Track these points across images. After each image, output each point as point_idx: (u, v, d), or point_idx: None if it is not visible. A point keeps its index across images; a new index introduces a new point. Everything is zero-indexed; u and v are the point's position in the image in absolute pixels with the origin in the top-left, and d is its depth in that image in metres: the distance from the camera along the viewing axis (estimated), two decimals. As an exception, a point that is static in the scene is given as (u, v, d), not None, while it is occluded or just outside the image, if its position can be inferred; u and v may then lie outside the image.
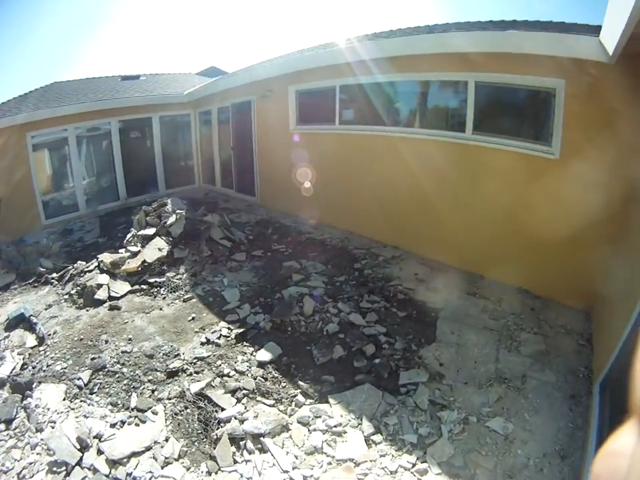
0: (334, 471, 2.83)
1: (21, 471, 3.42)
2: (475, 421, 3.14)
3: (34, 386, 4.25)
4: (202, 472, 3.00)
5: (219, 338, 4.33)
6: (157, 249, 5.87)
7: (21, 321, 5.54)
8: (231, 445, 3.07)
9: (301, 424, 3.17)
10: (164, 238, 6.08)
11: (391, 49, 5.57)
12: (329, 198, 7.04)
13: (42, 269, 6.71)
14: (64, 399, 4.02)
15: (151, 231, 6.20)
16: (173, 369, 3.98)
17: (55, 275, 6.46)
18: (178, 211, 6.37)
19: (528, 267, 4.79)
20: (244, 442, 3.05)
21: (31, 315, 5.49)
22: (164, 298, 5.35)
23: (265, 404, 3.41)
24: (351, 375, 3.65)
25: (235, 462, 2.96)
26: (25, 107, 10.02)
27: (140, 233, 6.20)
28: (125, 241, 6.40)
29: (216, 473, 2.94)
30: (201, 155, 11.53)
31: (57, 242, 8.33)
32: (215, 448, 3.09)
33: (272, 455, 2.95)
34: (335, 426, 3.12)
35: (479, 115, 5.14)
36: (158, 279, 5.57)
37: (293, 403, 3.39)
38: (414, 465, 2.82)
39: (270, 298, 4.94)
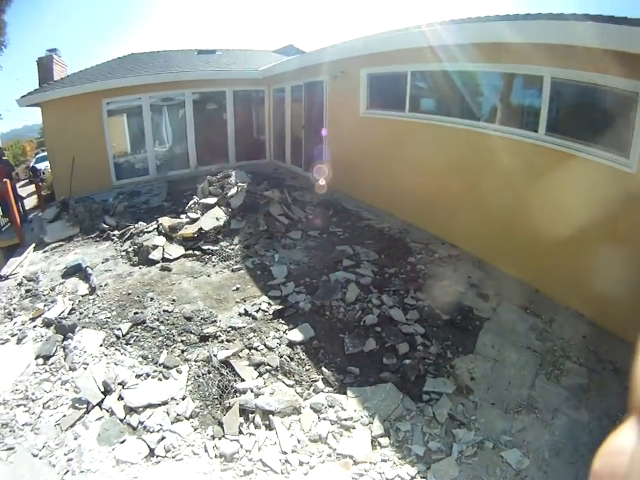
0: (331, 463, 2.85)
1: (47, 402, 3.78)
2: (490, 447, 2.95)
3: (77, 330, 4.64)
4: (207, 434, 3.15)
5: (257, 311, 4.43)
6: (214, 218, 6.08)
7: (77, 271, 6.04)
8: (240, 416, 3.19)
9: (313, 410, 3.20)
10: (223, 208, 6.29)
11: (481, 34, 5.23)
12: (393, 186, 6.87)
13: (105, 226, 7.21)
14: (101, 345, 4.36)
15: (212, 200, 6.44)
16: (206, 334, 4.16)
17: (116, 232, 6.93)
18: (240, 184, 6.54)
19: (589, 291, 4.18)
20: (253, 415, 3.15)
21: (87, 267, 5.95)
22: (214, 265, 5.55)
23: (284, 383, 3.47)
24: (377, 370, 3.57)
25: (240, 432, 3.08)
26: (101, 76, 10.96)
27: (201, 200, 6.46)
28: (186, 207, 6.71)
29: (219, 439, 3.08)
30: (273, 131, 11.77)
31: (123, 202, 8.91)
32: (225, 415, 3.24)
33: (276, 433, 3.03)
34: (346, 419, 3.11)
35: (554, 115, 4.71)
36: (211, 247, 5.78)
37: (312, 388, 3.42)
38: (412, 478, 2.73)
39: (316, 279, 4.95)
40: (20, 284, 6.22)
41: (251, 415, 3.15)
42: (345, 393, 3.32)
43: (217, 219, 6.06)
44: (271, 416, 3.09)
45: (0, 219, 9.87)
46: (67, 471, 3.13)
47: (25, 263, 7.07)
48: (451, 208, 5.83)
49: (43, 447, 3.37)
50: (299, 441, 2.98)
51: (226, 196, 6.36)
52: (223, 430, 3.10)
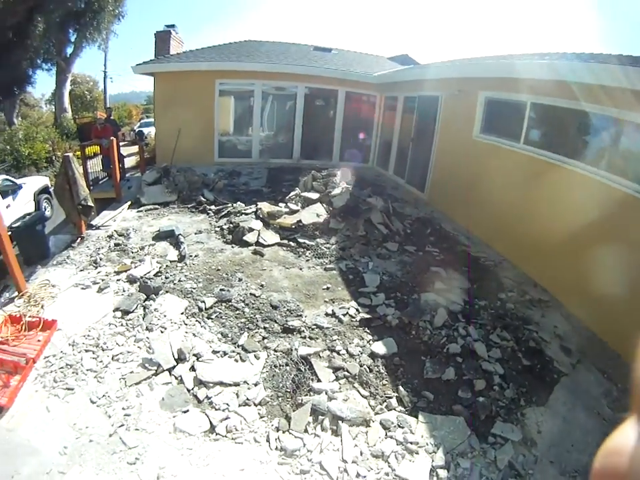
0: None
1: (117, 354, 3.95)
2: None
3: (160, 293, 4.83)
4: (272, 425, 3.18)
5: (344, 315, 4.41)
6: (315, 214, 6.12)
7: (169, 236, 6.30)
8: (310, 415, 3.22)
9: (382, 425, 3.20)
10: (324, 206, 6.33)
11: (606, 77, 4.84)
12: (494, 216, 6.57)
13: (203, 199, 7.51)
14: (182, 313, 4.51)
15: (314, 195, 6.50)
16: (290, 327, 4.19)
17: (213, 207, 7.16)
18: (345, 185, 6.55)
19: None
20: (323, 418, 3.18)
21: (180, 234, 6.18)
22: (307, 260, 5.57)
23: (359, 392, 3.48)
24: (450, 401, 3.50)
25: (306, 431, 3.11)
26: (217, 57, 11.65)
27: (303, 194, 6.55)
28: (287, 197, 6.84)
29: (283, 432, 3.11)
30: (380, 137, 11.84)
31: (223, 180, 9.26)
32: (294, 410, 3.29)
33: (341, 440, 3.04)
34: (412, 442, 3.08)
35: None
36: (307, 241, 5.82)
37: (385, 404, 3.40)
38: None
39: (407, 296, 4.86)
40: (110, 236, 6.59)
41: (320, 417, 3.18)
42: (417, 417, 3.29)
43: (318, 215, 6.08)
44: (340, 422, 3.11)
45: (99, 172, 10.65)
46: (122, 425, 3.22)
47: (118, 217, 7.49)
48: (549, 251, 5.49)
49: (103, 396, 3.51)
50: (361, 453, 2.98)
51: (329, 194, 6.39)
52: (289, 425, 3.13)
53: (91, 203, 6.71)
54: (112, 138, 8.70)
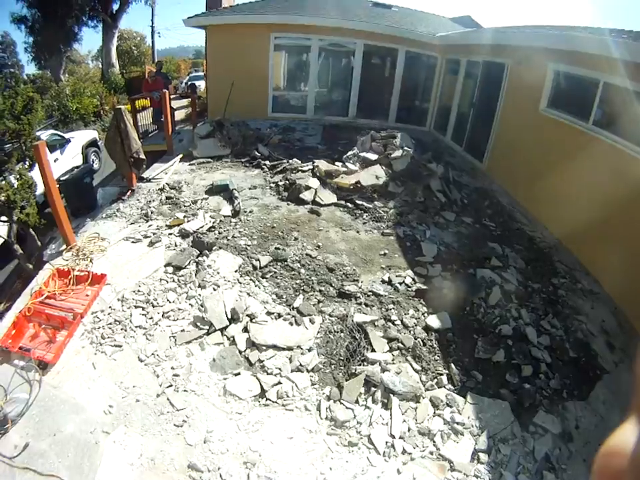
0: (430, 461, 2.87)
1: (168, 312, 3.96)
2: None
3: (214, 249, 4.81)
4: (323, 393, 3.18)
5: (400, 284, 4.32)
6: (374, 176, 6.00)
7: (222, 190, 6.29)
8: (362, 386, 3.21)
9: (431, 403, 3.18)
10: (384, 168, 6.17)
11: None
12: (553, 197, 6.25)
13: (257, 154, 7.50)
14: (236, 271, 4.47)
15: (373, 156, 6.36)
16: (347, 291, 4.13)
17: (267, 162, 7.14)
18: (406, 148, 6.36)
19: None
20: (375, 390, 3.16)
21: (234, 189, 6.15)
22: (364, 223, 5.49)
23: (411, 366, 3.44)
24: (498, 384, 3.45)
25: (357, 402, 3.11)
26: (272, 10, 11.40)
27: (362, 154, 6.42)
28: (344, 157, 6.71)
29: (334, 402, 3.10)
30: (439, 101, 11.49)
31: (277, 135, 9.25)
32: (347, 380, 3.26)
33: (391, 415, 3.03)
34: (458, 423, 3.08)
35: None
36: (365, 203, 5.72)
37: (435, 380, 3.37)
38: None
39: (463, 270, 4.74)
40: (162, 189, 6.64)
41: (372, 389, 3.16)
42: (465, 397, 3.26)
43: (377, 177, 5.95)
44: (391, 395, 3.08)
45: (149, 125, 10.83)
46: (170, 385, 3.25)
47: (169, 170, 7.57)
48: (606, 241, 5.21)
49: (152, 354, 3.53)
50: (409, 429, 2.98)
51: (389, 156, 6.23)
52: (341, 394, 3.15)
53: (142, 156, 6.78)
54: (164, 90, 8.73)
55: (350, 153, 6.73)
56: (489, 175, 8.06)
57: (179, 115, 13.87)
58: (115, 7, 23.47)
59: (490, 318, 4.04)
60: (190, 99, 12.42)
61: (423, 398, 3.18)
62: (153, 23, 27.05)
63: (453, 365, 3.45)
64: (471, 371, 3.48)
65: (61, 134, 10.85)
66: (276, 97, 11.60)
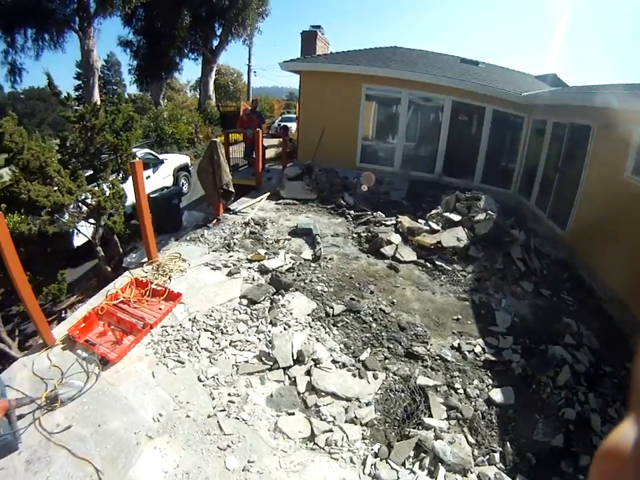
0: None
1: (236, 341, 4.13)
2: None
3: (290, 289, 4.98)
4: (372, 449, 3.13)
5: (469, 352, 4.25)
6: (455, 238, 6.04)
7: (306, 234, 6.55)
8: (412, 450, 3.11)
9: (478, 479, 3.01)
10: (466, 230, 6.20)
11: None
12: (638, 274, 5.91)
13: (342, 202, 7.78)
14: (308, 315, 4.60)
15: (456, 217, 6.41)
16: (415, 352, 4.12)
17: (352, 212, 7.39)
18: (489, 212, 6.36)
19: None
20: (424, 456, 3.06)
21: (317, 234, 6.38)
22: (441, 285, 5.48)
23: (466, 438, 3.30)
24: (551, 471, 3.19)
25: (403, 464, 3.02)
26: (364, 61, 11.82)
27: (445, 214, 6.49)
28: (427, 215, 6.80)
29: (380, 460, 3.04)
30: (524, 162, 11.26)
31: (364, 186, 9.38)
32: (398, 440, 3.20)
33: None
34: None
35: None
36: (445, 265, 5.74)
37: (487, 456, 3.19)
38: None
39: (534, 345, 4.55)
40: (247, 223, 7.01)
41: (422, 454, 3.07)
42: (514, 479, 3.07)
43: (458, 239, 5.99)
44: (439, 464, 2.98)
45: (240, 159, 11.49)
46: (223, 410, 3.36)
47: (256, 206, 7.99)
48: None
49: (212, 377, 3.69)
50: None
51: (472, 219, 6.25)
52: (389, 454, 3.07)
53: (232, 189, 7.18)
54: (257, 129, 9.26)
55: (434, 211, 6.81)
56: (570, 245, 7.78)
57: (269, 153, 14.50)
58: (215, 43, 25.36)
59: (555, 399, 3.83)
60: (281, 139, 12.95)
61: (471, 472, 3.03)
62: (249, 62, 28.91)
63: (508, 444, 3.30)
64: (526, 453, 3.30)
65: (155, 154, 11.77)
66: (365, 147, 11.90)
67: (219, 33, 24.98)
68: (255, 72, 35.58)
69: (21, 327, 5.89)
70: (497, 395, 3.73)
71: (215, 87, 28.01)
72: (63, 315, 5.62)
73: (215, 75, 27.78)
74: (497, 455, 3.21)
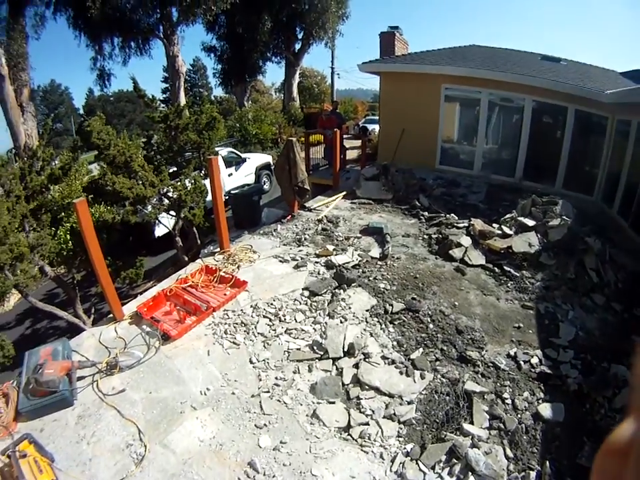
0: None
1: (291, 329, 4.32)
2: None
3: (353, 285, 5.13)
4: (404, 448, 3.12)
5: (525, 362, 4.11)
6: (527, 243, 5.94)
7: (377, 233, 6.73)
8: (445, 454, 3.07)
9: None
10: (539, 236, 6.07)
11: None
12: None
13: (417, 203, 7.90)
14: (367, 310, 4.72)
15: (530, 222, 6.29)
16: (468, 357, 4.08)
17: (426, 213, 7.51)
18: (564, 217, 6.16)
19: None
20: (456, 462, 2.99)
21: (388, 234, 6.55)
22: (507, 291, 5.40)
23: (504, 450, 3.16)
24: None
25: (432, 468, 2.98)
26: (443, 61, 11.67)
27: (519, 218, 6.40)
28: (502, 219, 6.71)
29: (411, 460, 3.02)
30: (608, 167, 10.51)
31: (441, 188, 9.45)
32: (432, 442, 3.18)
33: None
34: None
35: None
36: (513, 271, 5.65)
37: (523, 473, 3.02)
38: None
39: (596, 362, 4.30)
40: (320, 220, 7.32)
41: (454, 460, 3.01)
42: None
43: (530, 244, 5.88)
44: (470, 473, 2.90)
45: (321, 160, 11.84)
46: (267, 392, 3.58)
47: (331, 204, 8.28)
48: None
49: (263, 360, 3.93)
50: None
51: (546, 224, 6.10)
52: (421, 455, 3.05)
53: (307, 187, 7.48)
54: (336, 129, 9.49)
55: (508, 215, 6.72)
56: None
57: (351, 154, 14.71)
58: (297, 46, 26.02)
59: (609, 422, 3.55)
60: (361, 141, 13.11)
61: None
62: (332, 64, 29.34)
63: (548, 463, 3.09)
64: (565, 476, 3.06)
65: (238, 153, 12.44)
66: (445, 149, 11.77)
67: (300, 36, 25.61)
68: (338, 74, 36.10)
69: (97, 307, 6.51)
70: (546, 410, 3.57)
71: (299, 89, 28.77)
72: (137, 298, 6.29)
73: (299, 78, 28.53)
74: (533, 474, 3.06)
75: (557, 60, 13.47)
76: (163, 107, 7.71)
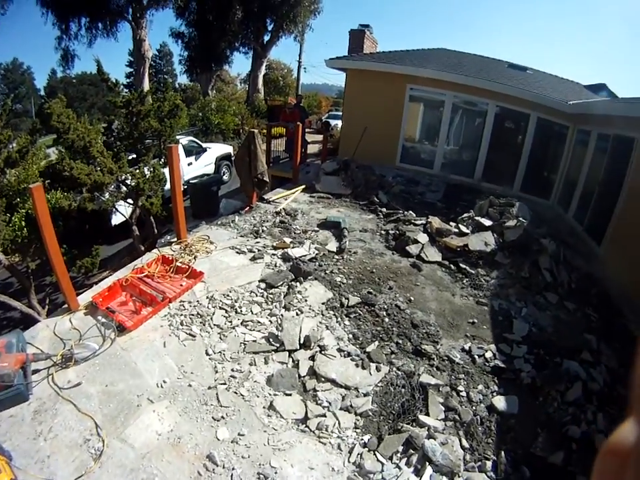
0: None
1: (247, 321, 4.31)
2: None
3: (309, 278, 5.11)
4: (361, 439, 3.16)
5: (479, 356, 4.20)
6: (483, 242, 6.03)
7: (334, 227, 6.71)
8: (402, 445, 3.11)
9: None
10: (495, 236, 6.18)
11: None
12: None
13: (376, 200, 7.93)
14: (323, 303, 4.73)
15: (487, 222, 6.41)
16: (423, 350, 4.14)
17: (384, 209, 7.53)
18: (520, 219, 6.31)
19: None
20: (413, 452, 3.04)
21: (345, 228, 6.53)
22: (462, 288, 5.49)
23: (460, 441, 3.23)
24: None
25: (390, 458, 3.02)
26: (410, 61, 11.87)
27: (477, 218, 6.51)
28: (459, 217, 6.82)
29: (368, 451, 3.05)
30: (565, 174, 10.97)
31: (400, 185, 9.56)
32: (389, 433, 3.21)
33: None
34: None
35: None
36: (469, 268, 5.74)
37: (479, 463, 3.11)
38: None
39: (549, 357, 4.43)
40: (278, 213, 7.25)
41: (411, 451, 3.06)
42: None
43: (486, 243, 5.97)
44: (427, 463, 2.95)
45: (282, 152, 11.76)
46: (224, 383, 3.54)
47: (289, 197, 8.19)
48: None
49: (219, 352, 3.89)
50: None
51: (502, 225, 6.22)
52: (378, 445, 3.09)
53: (266, 179, 7.42)
54: (298, 123, 9.44)
55: (466, 215, 6.82)
56: (605, 260, 7.56)
57: (312, 148, 14.74)
58: (266, 38, 25.86)
59: (561, 415, 3.70)
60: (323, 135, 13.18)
61: (459, 477, 2.97)
62: (300, 58, 29.28)
63: (503, 453, 3.20)
64: (521, 465, 3.19)
65: (199, 142, 12.26)
66: (406, 148, 12.01)
67: (270, 28, 25.48)
68: (305, 68, 35.97)
69: (52, 297, 6.28)
70: (500, 402, 3.66)
71: (265, 81, 28.60)
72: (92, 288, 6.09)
73: (265, 70, 28.39)
74: (489, 464, 3.14)
75: (523, 69, 13.97)
76: (126, 92, 7.57)
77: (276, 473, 2.87)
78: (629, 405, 0.41)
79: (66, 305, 4.43)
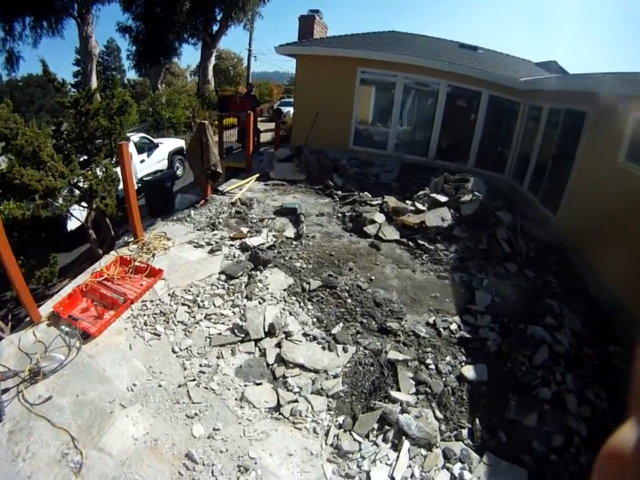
0: None
1: (211, 314, 4.26)
2: None
3: (269, 266, 5.09)
4: (336, 421, 3.19)
5: (445, 329, 4.25)
6: (440, 218, 6.07)
7: (291, 213, 6.64)
8: (377, 422, 3.15)
9: (443, 454, 3.00)
10: (451, 211, 6.25)
11: None
12: (627, 260, 5.84)
13: (331, 183, 7.88)
14: (284, 290, 4.71)
15: (443, 198, 6.46)
16: (387, 327, 4.16)
17: (340, 192, 7.49)
18: (476, 193, 6.39)
19: None
20: (389, 428, 3.08)
21: (301, 213, 6.48)
22: (422, 264, 5.52)
23: (434, 413, 3.29)
24: (521, 448, 3.14)
25: (367, 436, 3.05)
26: (360, 45, 11.91)
27: (432, 195, 6.55)
28: (415, 196, 6.85)
29: (344, 431, 3.08)
30: (519, 148, 11.26)
31: (355, 168, 9.57)
32: (363, 412, 3.25)
33: (397, 457, 2.91)
34: None
35: None
36: (427, 244, 5.78)
37: (455, 432, 3.17)
38: None
39: (513, 324, 4.53)
40: (233, 203, 7.14)
41: (386, 427, 3.10)
42: (481, 455, 3.04)
43: (443, 219, 6.01)
44: (404, 437, 2.99)
45: (235, 143, 11.54)
46: (194, 380, 3.49)
47: (244, 187, 8.05)
48: None
49: (186, 349, 3.83)
50: (412, 475, 2.85)
51: (458, 200, 6.28)
52: (353, 425, 3.12)
53: (219, 170, 7.32)
54: (249, 112, 9.27)
55: (421, 192, 6.86)
56: (561, 229, 7.76)
57: (265, 137, 14.65)
58: (215, 28, 25.33)
59: (530, 378, 3.80)
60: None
61: (437, 447, 3.02)
62: (250, 47, 28.84)
63: (478, 420, 3.26)
64: (497, 430, 3.24)
65: (151, 138, 11.93)
66: (358, 130, 12.06)
67: (219, 17, 25.00)
68: (255, 57, 35.57)
69: (14, 312, 6.01)
70: (469, 371, 3.72)
71: (215, 72, 28.11)
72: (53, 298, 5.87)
73: (215, 60, 27.87)
74: (465, 432, 3.20)
75: (474, 48, 14.17)
76: (74, 92, 7.36)
77: (256, 463, 2.86)
78: (629, 405, 0.41)
79: (28, 318, 4.26)
